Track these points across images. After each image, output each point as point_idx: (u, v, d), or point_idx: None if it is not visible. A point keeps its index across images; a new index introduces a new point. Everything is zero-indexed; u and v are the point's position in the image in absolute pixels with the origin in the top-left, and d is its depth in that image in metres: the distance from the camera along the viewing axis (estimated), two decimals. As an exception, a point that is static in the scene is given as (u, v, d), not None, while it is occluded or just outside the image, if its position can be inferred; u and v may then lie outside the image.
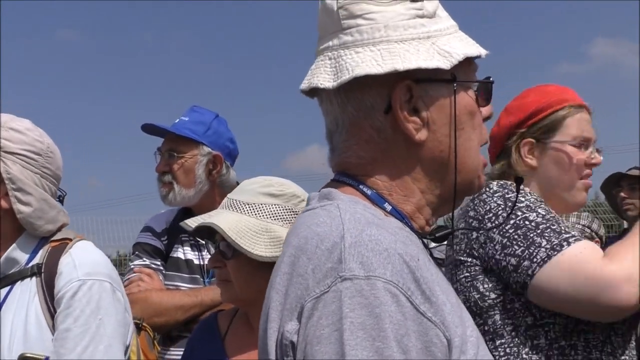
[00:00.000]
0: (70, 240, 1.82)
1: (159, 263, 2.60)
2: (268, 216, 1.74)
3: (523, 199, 1.72)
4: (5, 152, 1.77)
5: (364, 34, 1.02)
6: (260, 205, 1.75)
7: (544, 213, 1.68)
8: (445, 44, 1.03)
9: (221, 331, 1.87)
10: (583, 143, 1.88)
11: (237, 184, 2.70)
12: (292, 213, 1.76)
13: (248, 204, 1.76)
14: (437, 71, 1.01)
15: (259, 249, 1.66)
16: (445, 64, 1.01)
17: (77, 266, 1.73)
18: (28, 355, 1.65)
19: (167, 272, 2.60)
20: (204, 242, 2.60)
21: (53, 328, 1.69)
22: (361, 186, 1.04)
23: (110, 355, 1.68)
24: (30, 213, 1.78)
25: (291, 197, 1.78)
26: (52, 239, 1.82)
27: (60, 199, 1.94)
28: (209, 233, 1.82)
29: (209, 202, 2.60)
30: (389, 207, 1.03)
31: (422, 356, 0.86)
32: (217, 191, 2.68)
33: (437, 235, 1.13)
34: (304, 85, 1.08)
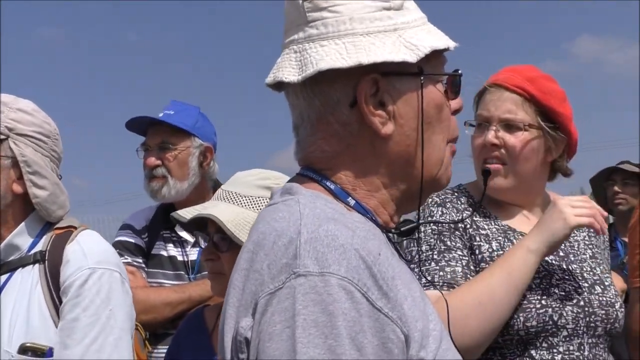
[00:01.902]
0: (75, 228, 1.78)
1: (140, 261, 2.59)
2: None
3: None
4: (17, 134, 1.73)
5: (329, 27, 1.03)
6: (258, 199, 1.76)
7: (426, 248, 1.75)
8: (412, 37, 1.04)
9: (208, 326, 1.88)
10: (481, 123, 1.83)
11: (217, 178, 2.72)
12: None
13: (245, 197, 1.76)
14: (403, 64, 1.02)
15: None
16: (411, 57, 1.01)
17: (86, 254, 1.69)
18: (29, 345, 1.61)
19: (150, 270, 2.59)
20: (186, 239, 2.60)
21: (57, 318, 1.65)
22: (324, 181, 1.06)
23: (119, 348, 1.65)
24: (46, 197, 1.74)
25: None
26: (57, 226, 1.78)
27: None
28: (198, 225, 1.82)
29: (195, 196, 2.60)
30: (352, 202, 1.04)
31: (378, 352, 0.87)
32: (203, 184, 2.70)
33: (402, 229, 1.15)
34: (269, 78, 1.08)
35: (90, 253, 1.69)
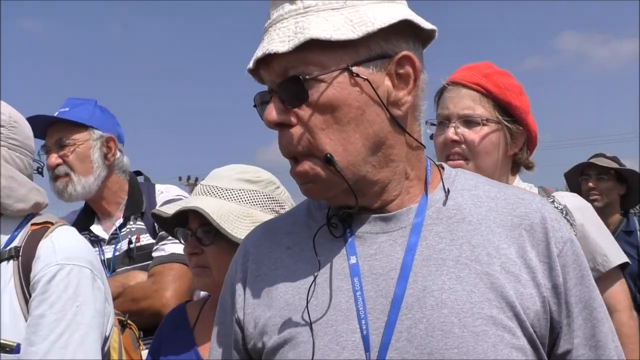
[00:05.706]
0: (52, 224, 1.76)
1: None
2: (248, 202, 1.79)
3: None
4: None
5: None
6: (240, 191, 1.80)
7: None
8: None
9: (190, 321, 1.91)
10: (442, 121, 1.88)
11: (133, 171, 2.73)
12: (270, 199, 1.81)
13: (227, 190, 1.80)
14: None
15: (242, 233, 1.69)
16: None
17: (56, 250, 1.67)
18: None
19: None
20: (102, 237, 2.61)
21: (28, 314, 1.63)
22: None
23: (85, 345, 1.62)
24: None
25: (268, 183, 1.85)
26: (33, 222, 1.76)
27: (39, 171, 1.87)
28: (174, 222, 1.84)
29: (109, 192, 2.62)
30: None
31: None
32: (114, 177, 2.67)
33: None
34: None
35: (60, 249, 1.68)
